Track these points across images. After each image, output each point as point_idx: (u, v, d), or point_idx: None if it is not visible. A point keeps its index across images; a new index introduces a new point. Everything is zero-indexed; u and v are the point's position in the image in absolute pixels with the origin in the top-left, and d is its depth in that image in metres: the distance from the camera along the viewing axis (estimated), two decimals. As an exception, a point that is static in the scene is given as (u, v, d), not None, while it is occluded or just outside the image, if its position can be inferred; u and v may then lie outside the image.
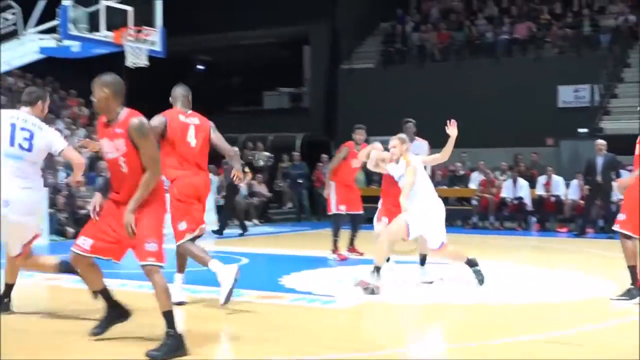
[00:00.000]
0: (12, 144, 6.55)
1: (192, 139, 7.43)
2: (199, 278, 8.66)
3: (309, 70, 28.19)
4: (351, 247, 12.00)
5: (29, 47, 12.89)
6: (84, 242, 5.70)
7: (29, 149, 6.61)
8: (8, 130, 6.59)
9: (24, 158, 6.57)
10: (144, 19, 12.79)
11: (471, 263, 8.69)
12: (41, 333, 6.45)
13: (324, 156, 21.49)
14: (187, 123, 7.60)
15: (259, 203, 20.70)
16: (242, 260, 11.36)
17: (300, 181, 21.92)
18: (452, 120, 8.45)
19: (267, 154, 21.59)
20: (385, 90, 24.58)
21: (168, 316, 5.45)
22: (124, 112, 5.73)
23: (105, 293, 6.14)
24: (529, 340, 6.02)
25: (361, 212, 12.05)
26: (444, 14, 27.25)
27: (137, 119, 5.65)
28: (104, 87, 5.68)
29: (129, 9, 12.61)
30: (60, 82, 24.44)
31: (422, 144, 11.60)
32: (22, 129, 6.65)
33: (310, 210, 22.12)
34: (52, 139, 6.83)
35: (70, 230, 15.65)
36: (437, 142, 22.55)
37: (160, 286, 5.46)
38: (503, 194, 18.79)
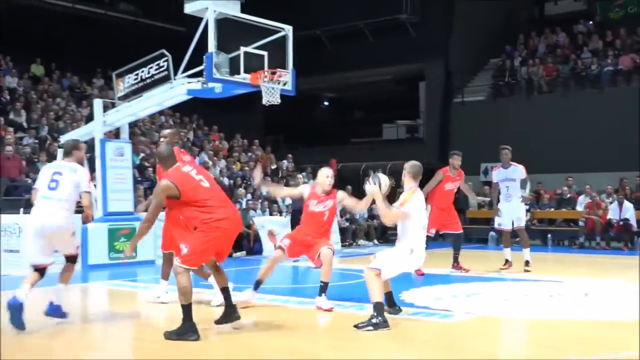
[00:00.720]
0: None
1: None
2: (334, 293, 8.73)
3: (424, 103, 28.09)
4: (456, 264, 11.91)
5: (178, 89, 13.36)
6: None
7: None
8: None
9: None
10: (278, 62, 13.07)
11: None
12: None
13: None
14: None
15: (379, 225, 20.71)
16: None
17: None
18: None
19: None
20: (495, 120, 24.26)
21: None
22: None
23: (225, 292, 6.97)
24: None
25: (459, 231, 11.96)
26: (550, 49, 26.62)
27: None
28: None
29: (265, 53, 12.92)
30: (204, 119, 25.32)
31: (517, 168, 11.82)
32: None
33: (426, 232, 21.83)
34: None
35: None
36: (543, 167, 22.09)
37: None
38: (609, 216, 18.20)
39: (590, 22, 27.24)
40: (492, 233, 18.98)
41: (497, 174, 12.36)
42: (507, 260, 12.21)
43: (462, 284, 10.54)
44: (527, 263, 12.07)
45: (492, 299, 8.95)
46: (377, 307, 7.03)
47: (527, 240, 12.48)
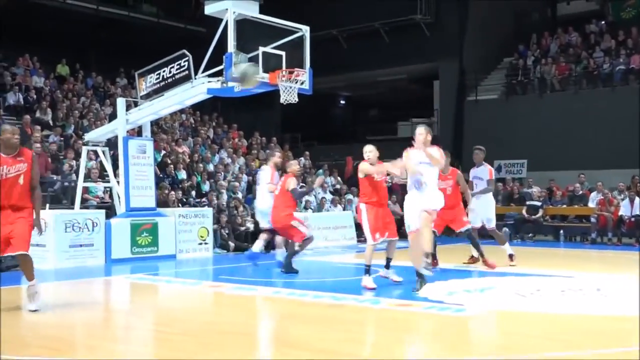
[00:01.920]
0: None
1: None
2: (346, 287, 8.74)
3: (439, 102, 27.99)
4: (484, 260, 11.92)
5: (199, 88, 13.40)
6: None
7: None
8: None
9: None
10: (296, 61, 13.07)
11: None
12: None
13: None
14: None
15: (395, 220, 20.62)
16: (379, 272, 11.34)
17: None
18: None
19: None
20: (508, 118, 24.19)
21: None
22: None
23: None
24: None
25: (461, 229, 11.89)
26: (562, 48, 26.44)
27: None
28: None
29: (283, 53, 12.94)
30: (224, 117, 25.39)
31: (485, 169, 11.94)
32: None
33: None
34: None
35: (232, 244, 16.12)
36: (556, 164, 21.95)
37: None
38: (621, 212, 18.08)
39: (603, 22, 27.00)
40: (505, 229, 18.89)
41: (470, 173, 12.54)
42: (472, 256, 12.31)
43: (475, 278, 10.50)
44: (510, 257, 12.06)
45: (504, 293, 8.91)
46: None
47: (503, 238, 12.46)
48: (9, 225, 7.33)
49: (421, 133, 9.08)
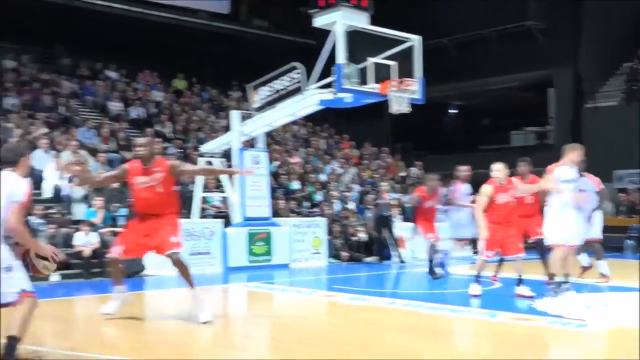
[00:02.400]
0: None
1: None
2: (462, 299, 8.58)
3: (554, 109, 27.13)
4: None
5: (310, 100, 13.60)
6: None
7: None
8: None
9: None
10: (406, 71, 13.04)
11: None
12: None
13: None
14: None
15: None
16: (495, 284, 11.09)
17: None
18: None
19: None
20: (629, 125, 23.12)
21: None
22: None
23: None
24: None
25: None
26: (687, 51, 25.10)
27: None
28: None
29: (393, 63, 12.92)
30: (335, 128, 25.57)
31: (586, 179, 10.81)
32: None
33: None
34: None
35: (345, 254, 16.19)
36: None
37: None
38: None
39: None
40: (627, 241, 18.07)
41: None
42: (582, 267, 11.50)
43: (595, 293, 10.07)
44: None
45: (628, 309, 8.50)
46: None
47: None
48: (152, 229, 7.57)
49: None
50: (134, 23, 23.95)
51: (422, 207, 12.26)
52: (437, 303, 8.89)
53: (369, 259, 16.41)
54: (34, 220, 13.14)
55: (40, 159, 15.28)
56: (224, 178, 15.46)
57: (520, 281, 9.42)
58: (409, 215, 18.85)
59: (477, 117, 33.23)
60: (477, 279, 9.48)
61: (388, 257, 16.16)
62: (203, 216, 15.25)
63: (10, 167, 5.54)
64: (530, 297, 9.07)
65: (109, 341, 6.77)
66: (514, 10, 25.56)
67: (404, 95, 12.90)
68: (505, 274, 12.00)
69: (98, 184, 9.87)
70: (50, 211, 13.76)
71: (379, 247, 16.29)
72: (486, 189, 9.51)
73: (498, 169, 9.58)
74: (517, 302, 9.09)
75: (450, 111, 34.70)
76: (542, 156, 25.57)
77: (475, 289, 9.41)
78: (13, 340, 5.31)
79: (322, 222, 15.87)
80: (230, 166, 15.71)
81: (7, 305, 5.34)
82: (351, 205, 18.19)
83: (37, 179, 14.94)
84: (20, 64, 20.81)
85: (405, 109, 12.86)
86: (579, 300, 9.06)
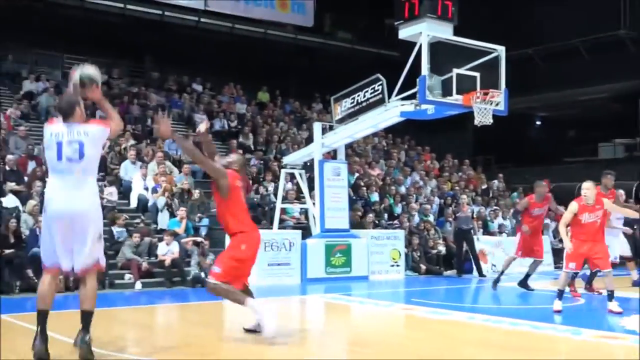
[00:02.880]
0: (59, 158, 5.78)
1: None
2: (544, 315, 8.32)
3: (644, 121, 26.18)
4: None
5: (392, 112, 13.53)
6: None
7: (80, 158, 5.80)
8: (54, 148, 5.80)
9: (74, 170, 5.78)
10: (490, 82, 12.82)
11: None
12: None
13: None
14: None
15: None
16: (579, 300, 10.76)
17: (636, 227, 20.48)
18: None
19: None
20: None
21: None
22: None
23: None
24: None
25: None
26: None
27: None
28: None
29: (477, 74, 12.73)
30: (416, 140, 25.40)
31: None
32: (70, 142, 5.80)
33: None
34: (97, 133, 5.94)
35: (423, 267, 16.02)
36: None
37: None
38: None
39: None
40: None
41: None
42: None
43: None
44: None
45: None
46: None
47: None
48: None
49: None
50: (220, 37, 24.51)
51: (529, 214, 12.08)
52: (518, 319, 8.66)
53: (447, 273, 16.19)
54: (119, 229, 13.56)
55: (128, 169, 15.77)
56: (305, 188, 15.55)
57: (610, 296, 9.16)
58: (491, 228, 18.57)
59: (563, 129, 32.39)
60: (560, 294, 9.29)
61: (468, 271, 15.89)
62: (282, 227, 15.39)
63: (68, 118, 5.88)
64: (619, 314, 8.77)
65: (190, 349, 6.87)
66: (605, 19, 24.79)
67: (487, 106, 12.68)
68: (583, 289, 11.65)
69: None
70: (135, 221, 14.15)
71: (458, 260, 16.04)
72: (573, 206, 9.34)
73: (587, 188, 9.33)
74: (603, 319, 8.77)
75: (536, 122, 33.97)
76: (631, 169, 24.89)
77: (557, 304, 9.22)
78: (90, 316, 5.73)
79: (400, 234, 15.75)
80: (310, 177, 15.82)
81: (80, 271, 5.73)
82: (431, 218, 17.99)
83: (125, 189, 15.43)
84: (111, 77, 21.55)
85: (488, 120, 12.64)
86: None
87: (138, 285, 12.43)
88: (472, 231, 16.02)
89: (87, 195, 5.76)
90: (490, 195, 21.08)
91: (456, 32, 13.10)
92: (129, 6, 22.26)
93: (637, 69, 24.45)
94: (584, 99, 28.09)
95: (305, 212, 16.16)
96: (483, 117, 12.53)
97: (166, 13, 23.01)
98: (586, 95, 27.36)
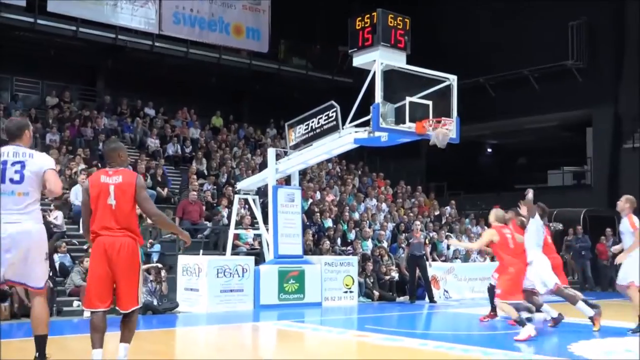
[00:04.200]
0: (3, 180, 5.79)
1: (111, 199, 6.05)
2: (495, 341, 8.37)
3: (592, 149, 26.80)
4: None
5: (346, 138, 13.60)
6: None
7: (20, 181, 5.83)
8: None
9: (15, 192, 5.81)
10: (442, 110, 13.02)
11: None
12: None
13: (608, 230, 20.81)
14: (107, 183, 6.12)
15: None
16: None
17: (584, 253, 21.04)
18: None
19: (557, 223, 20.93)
20: (670, 167, 22.71)
21: None
22: None
23: None
24: None
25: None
26: None
27: None
28: None
29: (429, 102, 12.93)
30: (369, 166, 25.60)
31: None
32: (13, 163, 5.86)
33: (594, 281, 20.94)
34: (42, 162, 5.96)
35: (376, 293, 16.06)
36: None
37: None
38: None
39: None
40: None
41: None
42: None
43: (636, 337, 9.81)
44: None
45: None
46: None
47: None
48: None
49: None
50: (174, 61, 24.41)
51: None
52: (468, 345, 8.74)
53: (400, 299, 16.26)
54: (59, 256, 13.32)
55: (78, 194, 15.51)
56: (258, 213, 15.50)
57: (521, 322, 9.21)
58: (440, 249, 18.70)
59: (513, 156, 33.01)
60: (520, 322, 9.25)
61: (420, 297, 15.99)
62: (236, 253, 15.29)
63: (15, 140, 6.01)
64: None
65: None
66: (553, 50, 25.45)
67: (442, 133, 12.84)
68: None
69: None
70: (85, 246, 13.86)
71: (410, 286, 16.11)
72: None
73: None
74: (553, 346, 8.89)
75: (487, 150, 34.52)
76: (579, 196, 25.43)
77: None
78: (44, 339, 5.95)
79: (354, 260, 15.79)
80: (264, 203, 15.79)
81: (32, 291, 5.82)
82: (384, 244, 18.08)
83: (76, 214, 15.16)
84: (62, 100, 21.28)
85: (441, 145, 12.79)
86: (619, 345, 8.83)
87: (87, 312, 12.14)
88: (424, 257, 16.13)
89: (28, 217, 5.76)
90: (443, 221, 21.30)
91: (409, 61, 13.29)
92: (81, 29, 22.00)
93: (585, 98, 25.15)
94: (533, 127, 28.75)
95: (258, 238, 16.09)
96: (439, 140, 12.63)
97: (119, 36, 22.83)
98: (536, 123, 28.00)
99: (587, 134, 27.32)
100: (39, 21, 21.23)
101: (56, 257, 13.31)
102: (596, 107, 25.54)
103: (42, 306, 5.80)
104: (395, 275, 16.71)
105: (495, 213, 10.22)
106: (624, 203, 10.53)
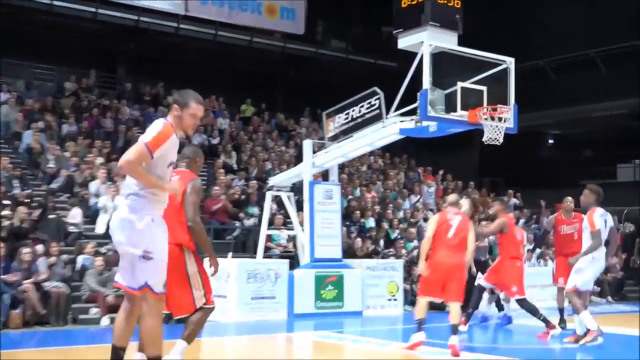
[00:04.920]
0: None
1: None
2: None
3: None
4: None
5: (390, 129, 13.42)
6: None
7: None
8: None
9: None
10: (498, 97, 12.74)
11: None
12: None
13: None
14: None
15: (613, 279, 19.53)
16: (598, 340, 10.60)
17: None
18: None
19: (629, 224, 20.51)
20: None
21: None
22: None
23: None
24: None
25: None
26: None
27: None
28: None
29: (484, 88, 12.66)
30: (416, 159, 25.36)
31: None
32: None
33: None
34: None
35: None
36: None
37: None
38: None
39: None
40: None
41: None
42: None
43: None
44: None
45: None
46: None
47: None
48: None
49: None
50: (201, 45, 24.43)
51: (558, 234, 11.98)
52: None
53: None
54: (83, 258, 13.37)
55: (97, 190, 15.58)
56: (293, 212, 15.39)
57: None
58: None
59: (578, 148, 32.47)
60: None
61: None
62: (268, 256, 15.21)
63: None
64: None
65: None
66: (624, 28, 24.86)
67: (496, 123, 12.59)
68: (610, 328, 11.52)
69: None
70: (103, 248, 13.90)
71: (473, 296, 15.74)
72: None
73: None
74: None
75: (548, 141, 34.04)
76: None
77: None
78: None
79: (399, 264, 15.60)
80: (299, 201, 15.67)
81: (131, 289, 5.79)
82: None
83: (93, 212, 15.24)
84: (80, 87, 21.42)
85: (498, 139, 12.55)
86: None
87: (105, 321, 12.18)
88: (488, 263, 15.63)
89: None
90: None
91: (461, 42, 13.05)
92: (100, 10, 22.15)
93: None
94: (601, 115, 28.15)
95: (293, 239, 15.99)
96: (493, 134, 12.42)
97: (142, 18, 22.91)
98: (603, 111, 27.42)
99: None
100: (55, 2, 21.41)
101: (80, 258, 13.39)
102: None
103: (146, 319, 5.88)
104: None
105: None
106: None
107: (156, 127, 5.61)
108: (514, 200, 22.62)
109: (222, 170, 18.34)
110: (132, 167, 5.44)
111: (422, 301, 9.40)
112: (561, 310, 11.91)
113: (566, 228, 11.85)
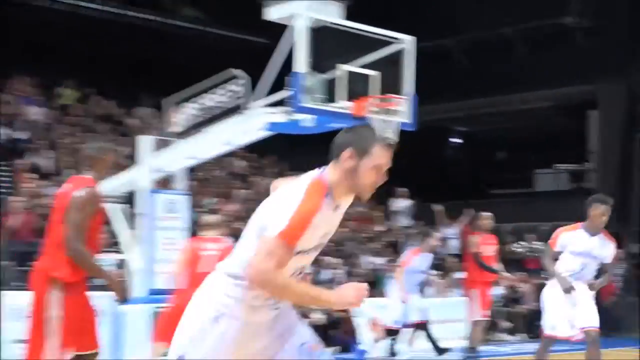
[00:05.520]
0: None
1: None
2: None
3: (596, 141, 27.38)
4: None
5: (255, 122, 13.34)
6: None
7: None
8: None
9: None
10: (393, 84, 12.89)
11: None
12: None
13: (619, 250, 21.16)
14: None
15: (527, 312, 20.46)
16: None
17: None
18: None
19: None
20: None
21: None
22: None
23: None
24: None
25: None
26: None
27: None
28: None
29: (375, 73, 12.75)
30: (289, 162, 25.46)
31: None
32: None
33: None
34: None
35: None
36: None
37: None
38: None
39: None
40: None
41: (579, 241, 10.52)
42: None
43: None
44: None
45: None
46: None
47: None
48: None
49: None
50: None
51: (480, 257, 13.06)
52: None
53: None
54: None
55: None
56: (124, 231, 15.06)
57: None
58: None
59: (489, 149, 33.51)
60: None
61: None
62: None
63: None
64: None
65: None
66: (547, 3, 25.70)
67: (388, 117, 12.72)
68: None
69: None
70: None
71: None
72: None
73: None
74: None
75: (452, 140, 34.94)
76: (578, 205, 25.86)
77: None
78: None
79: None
80: (133, 215, 15.36)
81: None
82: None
83: None
84: None
85: (392, 136, 12.64)
86: None
87: None
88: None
89: None
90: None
91: (348, 16, 13.14)
92: None
93: (588, 70, 25.44)
94: (518, 109, 29.06)
95: (123, 265, 15.63)
96: (385, 132, 12.49)
97: None
98: (521, 104, 28.33)
99: (590, 120, 27.88)
100: None
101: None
102: (603, 82, 25.98)
103: None
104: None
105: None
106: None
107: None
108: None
109: (29, 175, 17.82)
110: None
111: None
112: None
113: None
